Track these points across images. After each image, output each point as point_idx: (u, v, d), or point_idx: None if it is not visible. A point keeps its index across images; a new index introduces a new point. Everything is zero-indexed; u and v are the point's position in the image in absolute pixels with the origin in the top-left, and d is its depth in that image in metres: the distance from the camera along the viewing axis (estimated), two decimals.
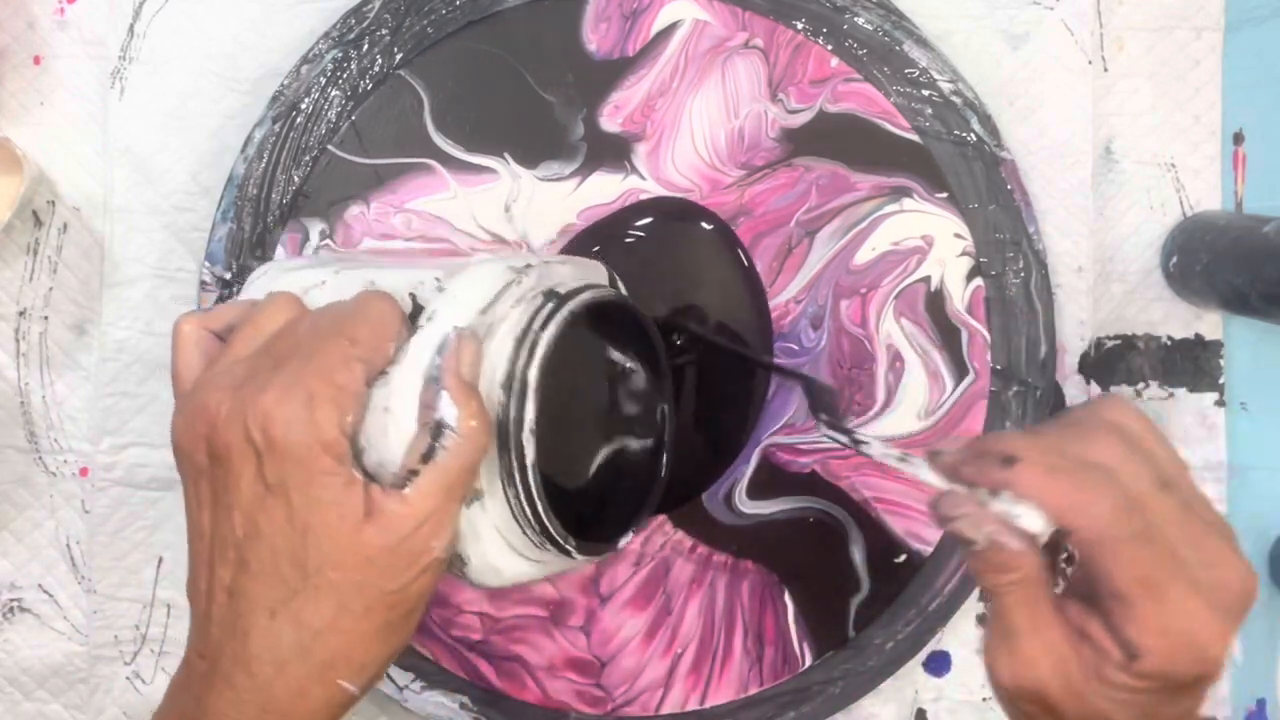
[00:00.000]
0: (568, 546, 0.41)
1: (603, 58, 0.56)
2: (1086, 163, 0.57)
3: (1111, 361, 0.57)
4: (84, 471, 0.58)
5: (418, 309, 0.40)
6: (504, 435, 0.39)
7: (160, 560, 0.58)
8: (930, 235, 0.56)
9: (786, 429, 0.55)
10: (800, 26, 0.56)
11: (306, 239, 0.56)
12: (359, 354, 0.38)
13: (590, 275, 0.47)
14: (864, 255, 0.56)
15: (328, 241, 0.56)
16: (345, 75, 0.56)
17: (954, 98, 0.55)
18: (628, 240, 0.55)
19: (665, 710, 0.55)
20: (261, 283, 0.45)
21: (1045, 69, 0.57)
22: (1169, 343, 0.57)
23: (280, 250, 0.56)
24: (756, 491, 0.55)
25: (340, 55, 0.56)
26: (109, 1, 0.58)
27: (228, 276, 0.56)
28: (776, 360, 0.55)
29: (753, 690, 0.55)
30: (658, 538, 0.55)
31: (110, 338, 0.58)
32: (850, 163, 0.56)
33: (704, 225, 0.56)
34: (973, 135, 0.55)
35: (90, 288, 0.58)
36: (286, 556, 0.36)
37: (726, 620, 0.55)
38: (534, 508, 0.40)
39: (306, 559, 0.36)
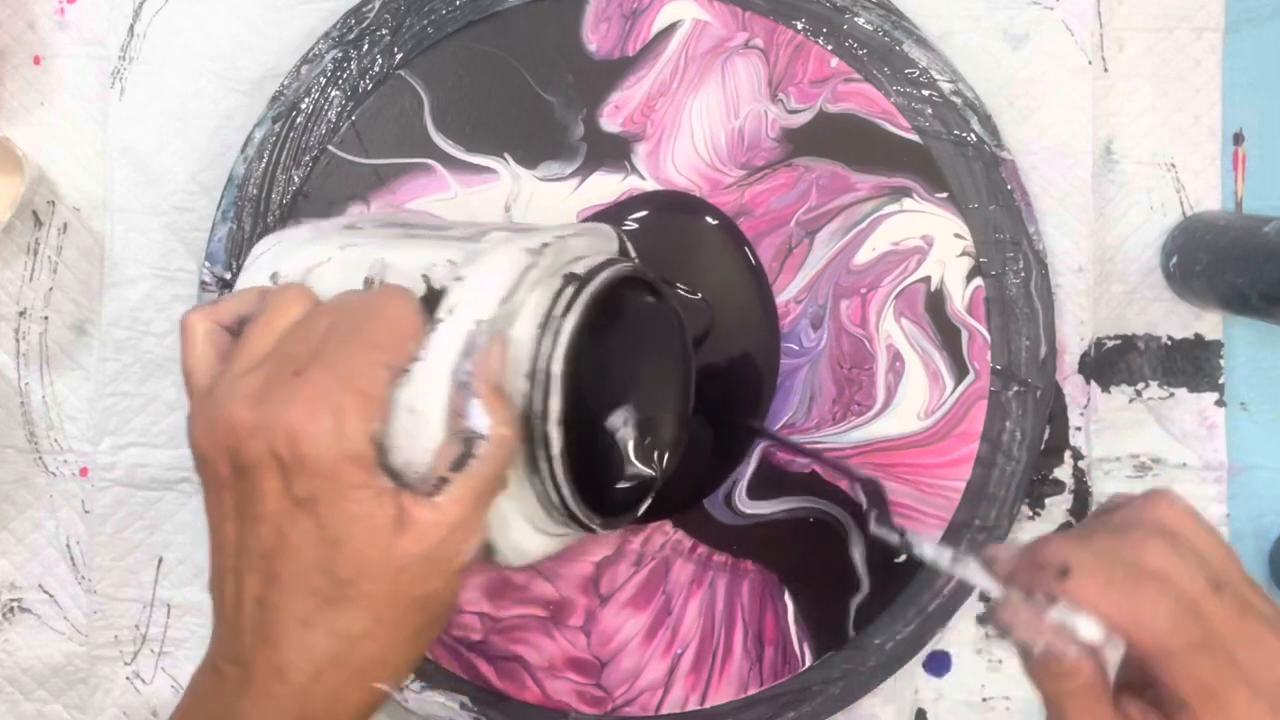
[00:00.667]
0: (593, 525, 0.41)
1: (603, 58, 0.56)
2: (1086, 163, 0.57)
3: (1111, 361, 0.57)
4: (84, 471, 0.58)
5: (433, 293, 0.39)
6: (529, 426, 0.39)
7: (160, 560, 0.58)
8: (930, 235, 0.56)
9: (786, 429, 0.55)
10: (800, 26, 0.56)
11: None
12: (382, 358, 0.37)
13: (603, 244, 0.46)
14: (864, 255, 0.56)
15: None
16: (345, 75, 0.56)
17: (954, 98, 0.55)
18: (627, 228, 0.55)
19: (665, 710, 0.55)
20: (265, 260, 0.43)
21: (1045, 69, 0.57)
22: (1169, 343, 0.57)
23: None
24: (756, 491, 0.55)
25: (340, 55, 0.56)
26: (109, 1, 0.58)
27: (228, 276, 0.56)
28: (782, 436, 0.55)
29: (753, 690, 0.55)
30: (658, 538, 0.55)
31: (110, 338, 0.58)
32: (850, 163, 0.56)
33: (709, 220, 0.56)
34: (973, 135, 0.55)
35: (90, 288, 0.58)
36: (317, 569, 0.36)
37: (726, 620, 0.55)
38: (560, 494, 0.40)
39: (338, 571, 0.36)
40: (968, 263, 0.56)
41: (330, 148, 0.56)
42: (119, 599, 0.58)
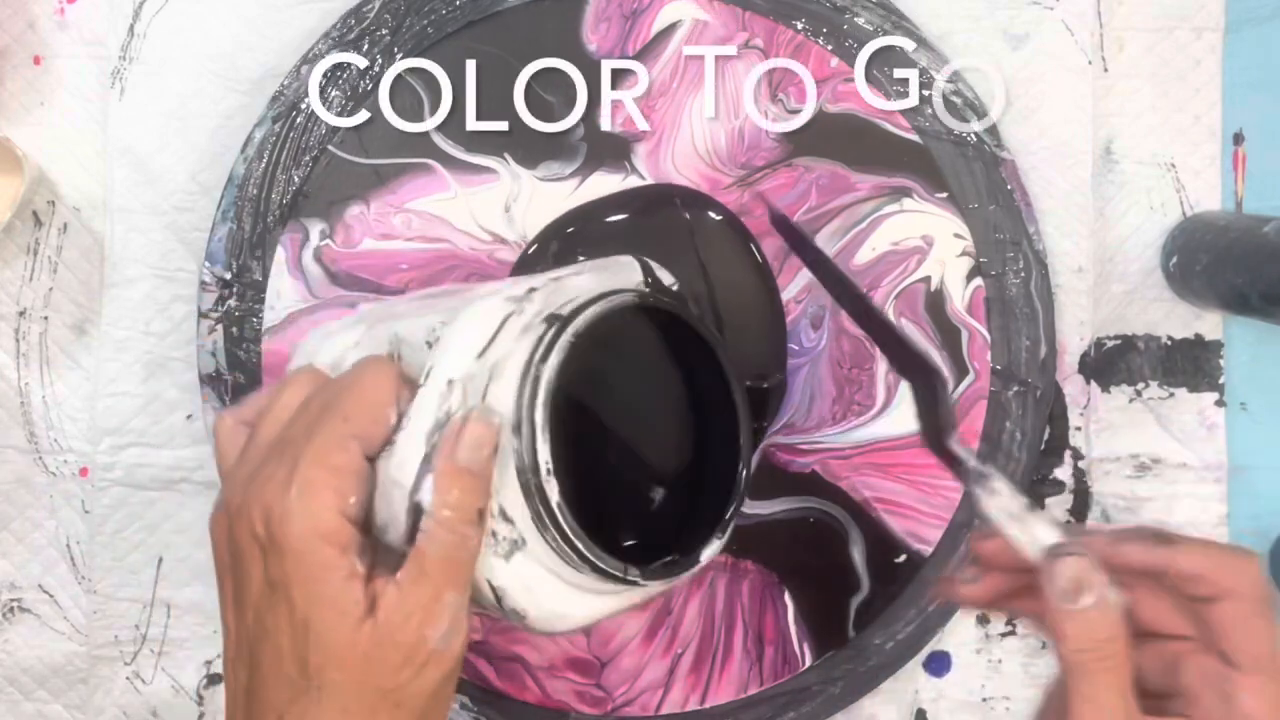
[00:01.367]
0: (630, 577, 0.38)
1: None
2: (1086, 163, 0.57)
3: (1111, 361, 0.57)
4: (84, 471, 0.58)
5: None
6: (524, 480, 0.37)
7: (160, 560, 0.58)
8: (930, 235, 0.56)
9: (786, 429, 0.55)
10: (800, 26, 0.56)
11: (306, 239, 0.56)
12: (352, 430, 0.36)
13: (618, 277, 0.43)
14: (864, 255, 0.56)
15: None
16: (345, 75, 0.56)
17: (954, 98, 0.56)
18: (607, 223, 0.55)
19: (665, 710, 0.55)
20: (303, 353, 0.43)
21: (1045, 69, 0.57)
22: (1169, 343, 0.57)
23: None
24: (756, 491, 0.55)
25: (340, 55, 0.56)
26: (109, 1, 0.58)
27: (228, 276, 0.56)
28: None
29: (753, 690, 0.55)
30: None
31: (110, 338, 0.58)
32: (850, 163, 0.56)
33: (713, 216, 0.56)
34: (973, 135, 0.55)
35: (90, 288, 0.58)
36: (290, 657, 0.35)
37: (726, 620, 0.55)
38: (573, 546, 0.37)
39: (309, 658, 0.34)
40: (968, 263, 0.56)
41: (330, 148, 0.56)
42: (119, 599, 0.58)
